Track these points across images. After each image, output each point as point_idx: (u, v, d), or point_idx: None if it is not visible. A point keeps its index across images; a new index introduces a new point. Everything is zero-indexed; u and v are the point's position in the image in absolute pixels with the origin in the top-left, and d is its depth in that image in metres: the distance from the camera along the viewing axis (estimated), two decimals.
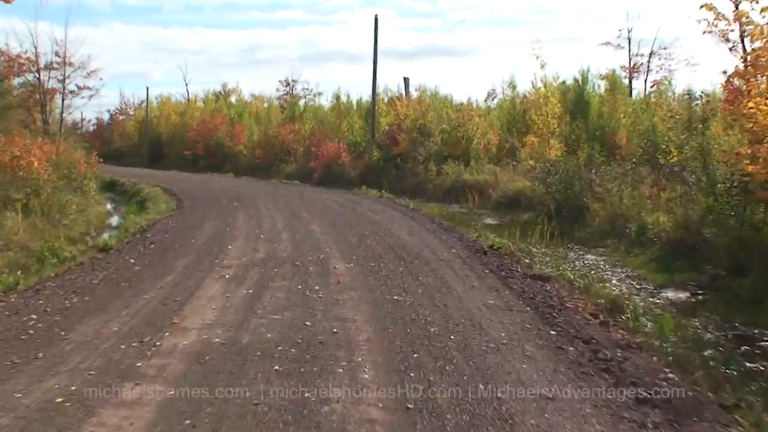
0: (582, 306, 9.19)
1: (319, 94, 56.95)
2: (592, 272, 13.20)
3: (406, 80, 37.35)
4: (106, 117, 73.47)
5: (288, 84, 64.84)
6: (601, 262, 14.62)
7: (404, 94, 36.77)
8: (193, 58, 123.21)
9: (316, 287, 9.22)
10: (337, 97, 41.36)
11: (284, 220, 16.87)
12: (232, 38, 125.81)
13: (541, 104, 26.77)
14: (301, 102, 52.96)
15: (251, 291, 9.05)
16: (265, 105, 55.06)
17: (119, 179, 33.73)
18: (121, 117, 70.02)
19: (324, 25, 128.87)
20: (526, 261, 12.55)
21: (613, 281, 12.58)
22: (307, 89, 63.54)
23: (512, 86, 38.03)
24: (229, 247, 12.69)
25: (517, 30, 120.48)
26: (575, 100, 34.46)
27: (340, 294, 8.86)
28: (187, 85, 66.99)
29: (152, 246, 13.01)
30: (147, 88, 64.65)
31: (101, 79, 30.61)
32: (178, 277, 9.91)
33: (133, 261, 11.35)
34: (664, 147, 19.56)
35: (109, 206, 26.46)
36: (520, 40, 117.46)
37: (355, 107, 41.95)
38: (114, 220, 21.98)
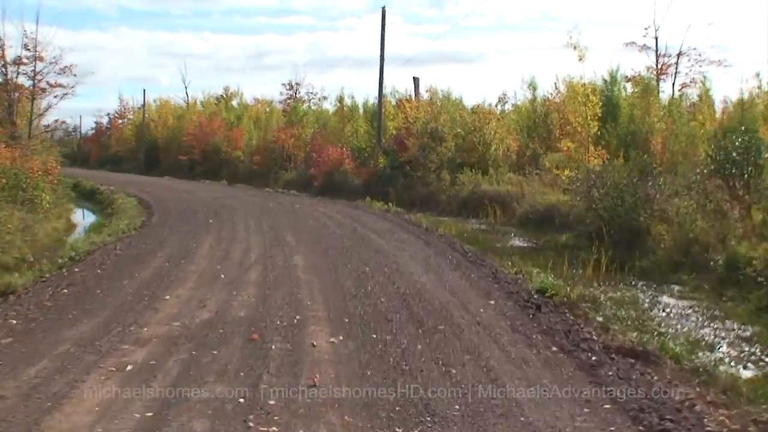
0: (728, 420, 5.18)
1: (324, 98, 52.76)
2: (685, 328, 9.13)
3: (415, 80, 33.30)
4: (105, 121, 69.59)
5: (291, 87, 60.63)
6: (689, 310, 10.46)
7: (414, 96, 32.66)
8: (201, 63, 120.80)
9: (270, 402, 5.10)
10: (341, 99, 37.43)
11: (261, 248, 12.81)
12: (240, 43, 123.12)
13: (578, 103, 22.46)
14: (305, 106, 48.80)
15: (149, 415, 4.88)
16: (267, 109, 50.88)
17: (100, 188, 29.67)
18: (119, 121, 66.15)
19: (331, 30, 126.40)
20: (598, 319, 8.44)
21: (723, 347, 8.45)
22: (312, 93, 59.52)
23: (532, 87, 33.86)
24: (167, 297, 8.62)
25: (524, 36, 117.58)
26: (604, 102, 30.39)
27: (313, 424, 4.72)
28: (186, 87, 62.45)
29: (64, 292, 8.99)
30: (144, 90, 61.33)
31: (75, 75, 26.22)
32: (41, 376, 5.72)
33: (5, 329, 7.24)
34: (736, 156, 15.32)
35: (79, 218, 22.53)
36: (527, 46, 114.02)
37: (360, 110, 37.85)
38: (72, 238, 17.92)
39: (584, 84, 22.86)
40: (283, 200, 23.71)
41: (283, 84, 60.39)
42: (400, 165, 28.79)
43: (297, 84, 60.95)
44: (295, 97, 59.75)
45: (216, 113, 50.32)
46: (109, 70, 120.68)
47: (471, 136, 28.53)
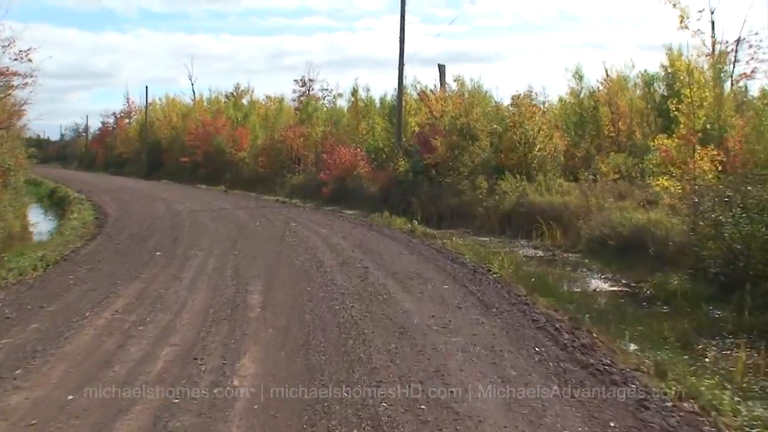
0: None
1: (339, 95, 46.96)
2: None
3: (441, 68, 27.63)
4: (112, 121, 64.64)
5: (304, 84, 55.23)
6: None
7: (439, 86, 27.04)
8: (220, 65, 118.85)
9: None
10: (354, 92, 31.83)
11: (195, 328, 6.95)
12: (258, 44, 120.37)
13: (692, 84, 16.57)
14: (319, 104, 43.07)
15: None
16: (276, 106, 45.33)
17: (70, 196, 24.41)
18: (126, 121, 61.13)
19: (349, 31, 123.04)
20: None
21: None
22: (326, 90, 53.86)
23: (578, 76, 28.14)
24: None
25: (542, 36, 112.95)
26: (666, 93, 24.74)
27: None
28: (192, 84, 57.26)
29: None
30: (146, 87, 55.61)
31: (30, 60, 20.62)
32: None
33: None
34: None
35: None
36: (545, 46, 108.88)
37: (377, 105, 32.25)
38: None
39: (690, 61, 16.95)
40: (278, 215, 18.17)
41: (295, 80, 54.89)
42: (425, 169, 23.25)
43: (310, 80, 55.53)
44: (308, 94, 54.23)
45: (221, 111, 45.05)
46: (129, 72, 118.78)
47: (510, 134, 22.88)
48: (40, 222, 20.43)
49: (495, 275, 9.88)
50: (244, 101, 51.42)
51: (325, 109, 38.89)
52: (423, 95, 26.72)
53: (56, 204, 24.42)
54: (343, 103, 37.99)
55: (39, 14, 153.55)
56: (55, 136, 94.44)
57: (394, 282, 8.90)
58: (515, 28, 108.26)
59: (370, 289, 8.45)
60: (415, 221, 17.25)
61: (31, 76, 23.18)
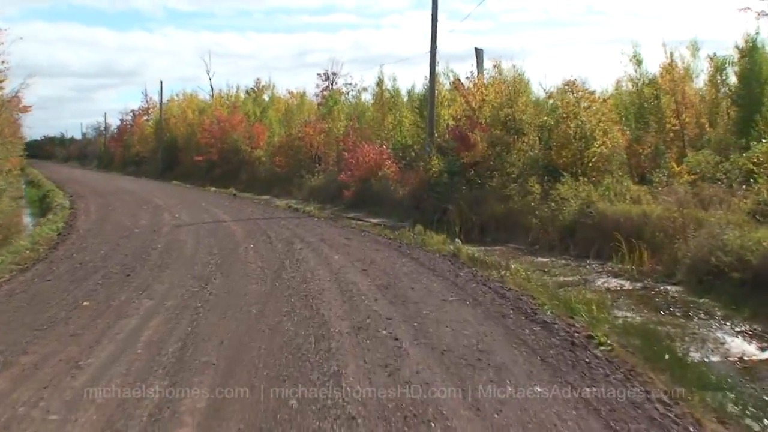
0: None
1: (364, 89, 42.88)
2: None
3: (478, 53, 23.66)
4: (130, 119, 61.61)
5: (327, 77, 51.58)
6: None
7: (476, 73, 23.08)
8: (245, 63, 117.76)
9: None
10: (380, 82, 27.99)
11: None
12: (283, 42, 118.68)
13: None
14: (342, 98, 39.15)
15: None
16: (296, 101, 41.59)
17: (56, 201, 20.99)
18: (143, 118, 58.04)
19: (374, 28, 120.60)
20: None
21: None
22: (350, 84, 49.97)
23: (636, 61, 23.96)
24: None
25: (569, 31, 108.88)
26: (744, 76, 20.64)
27: None
28: (210, 79, 53.66)
29: None
30: (161, 82, 52.52)
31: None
32: None
33: None
34: None
35: None
36: (573, 41, 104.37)
37: (404, 98, 28.35)
38: None
39: None
40: (283, 231, 14.24)
41: (318, 74, 51.21)
42: (462, 169, 19.43)
43: (333, 74, 51.84)
44: (331, 88, 50.38)
45: (237, 106, 41.58)
46: (156, 71, 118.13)
47: (563, 127, 18.94)
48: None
49: (603, 348, 6.04)
50: (265, 97, 47.82)
51: (348, 104, 35.08)
52: (458, 84, 22.83)
53: (45, 210, 21.00)
54: (367, 98, 34.16)
55: (68, 14, 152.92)
56: (79, 135, 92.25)
57: (446, 376, 5.06)
58: (541, 23, 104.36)
59: (406, 400, 4.62)
60: (458, 240, 13.38)
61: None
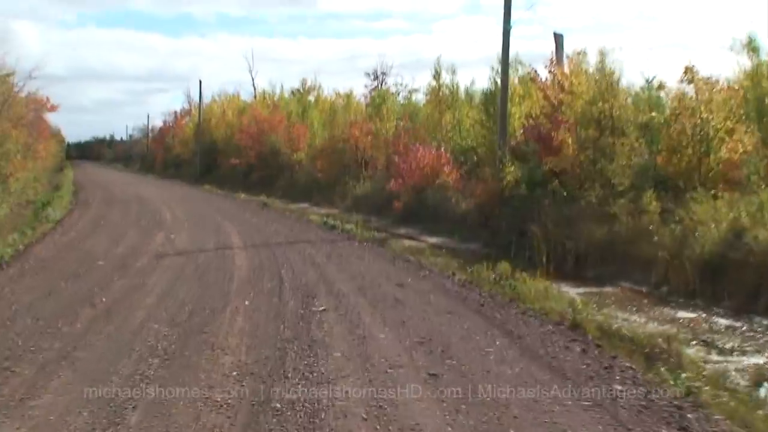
0: None
1: (415, 90, 38.30)
2: None
3: (558, 39, 19.25)
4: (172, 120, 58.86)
5: (376, 77, 47.51)
6: None
7: (554, 62, 18.64)
8: (296, 68, 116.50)
9: None
10: (437, 74, 23.71)
11: None
12: (334, 47, 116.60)
13: None
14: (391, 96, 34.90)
15: None
16: (342, 101, 37.59)
17: (46, 212, 17.44)
18: (184, 120, 55.14)
19: (425, 33, 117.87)
20: None
21: None
22: (401, 84, 45.63)
23: (752, 49, 19.23)
24: None
25: (619, 36, 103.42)
26: None
27: None
28: (253, 78, 49.89)
29: None
30: (200, 81, 49.01)
31: None
32: None
33: None
34: None
35: None
36: (622, 46, 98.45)
37: (463, 95, 24.08)
38: None
39: None
40: (307, 266, 9.77)
41: (366, 73, 47.19)
42: (545, 179, 15.17)
43: (383, 73, 47.72)
44: (380, 88, 46.30)
45: (277, 105, 38.02)
46: (207, 76, 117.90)
47: (677, 126, 14.53)
48: None
49: None
50: (311, 98, 44.03)
51: (399, 104, 30.88)
52: (534, 76, 18.49)
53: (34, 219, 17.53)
54: (419, 98, 29.91)
55: (123, 19, 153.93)
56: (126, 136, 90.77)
57: None
58: (590, 29, 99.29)
59: None
60: (576, 299, 9.01)
61: None
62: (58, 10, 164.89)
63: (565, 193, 14.90)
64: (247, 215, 16.34)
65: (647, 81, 17.21)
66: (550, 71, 17.82)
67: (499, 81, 20.20)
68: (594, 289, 10.57)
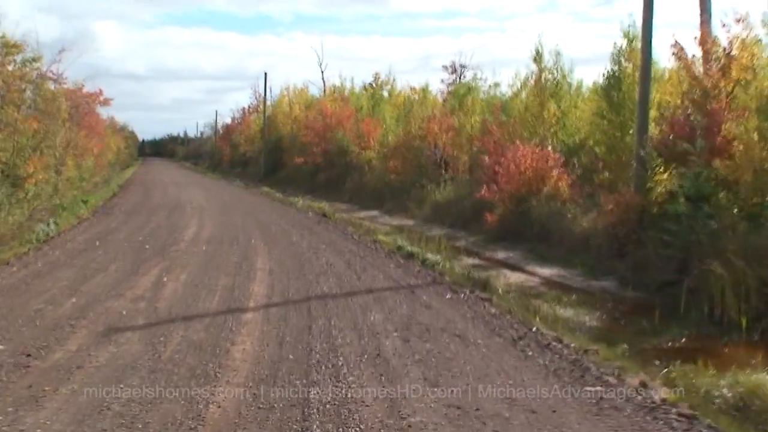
0: None
1: (496, 84, 33.43)
2: None
3: (704, 1, 14.51)
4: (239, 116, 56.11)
5: (454, 70, 43.10)
6: None
7: (701, 33, 13.77)
8: (370, 66, 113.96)
9: None
10: (537, 56, 18.80)
11: None
12: (407, 46, 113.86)
13: None
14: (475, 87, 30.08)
15: None
16: (417, 96, 33.27)
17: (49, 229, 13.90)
18: (252, 116, 52.19)
19: (498, 32, 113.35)
20: None
21: None
22: (481, 79, 40.54)
23: None
24: None
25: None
26: None
27: None
28: (323, 72, 46.04)
29: None
30: (265, 74, 45.69)
31: None
32: None
33: None
34: None
35: None
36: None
37: (571, 84, 19.39)
38: None
39: None
40: (372, 326, 6.00)
41: (444, 66, 42.88)
42: (711, 191, 10.50)
43: (462, 66, 43.23)
44: (459, 82, 41.74)
45: (347, 100, 34.23)
46: (282, 74, 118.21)
47: None
48: None
49: None
50: (384, 92, 39.94)
51: (477, 90, 26.29)
52: (679, 51, 13.69)
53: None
54: (505, 90, 25.23)
55: (201, 19, 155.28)
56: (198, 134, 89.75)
57: None
58: (672, 25, 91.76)
59: None
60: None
61: None
62: (137, 9, 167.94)
63: (737, 211, 10.30)
64: (295, 234, 12.04)
65: None
66: (701, 44, 13.06)
67: (623, 61, 15.68)
68: None
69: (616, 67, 15.34)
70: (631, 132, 14.85)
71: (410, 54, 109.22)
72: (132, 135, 71.97)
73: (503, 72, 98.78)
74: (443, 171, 22.14)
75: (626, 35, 15.56)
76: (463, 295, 7.52)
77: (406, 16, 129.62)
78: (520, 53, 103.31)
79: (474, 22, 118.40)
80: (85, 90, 26.54)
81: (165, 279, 7.82)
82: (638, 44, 15.49)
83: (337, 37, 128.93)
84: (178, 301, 6.82)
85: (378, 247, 10.99)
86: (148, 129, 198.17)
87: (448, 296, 7.38)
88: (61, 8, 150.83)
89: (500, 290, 8.59)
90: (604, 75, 15.67)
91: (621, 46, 15.42)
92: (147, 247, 10.14)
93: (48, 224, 12.74)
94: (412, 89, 36.82)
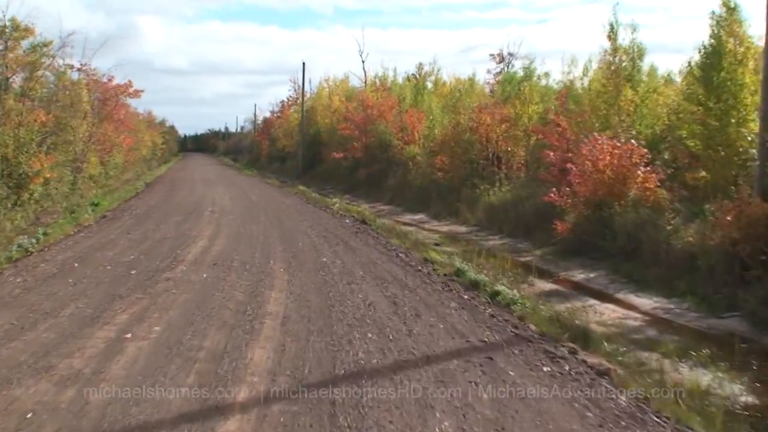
0: None
1: (546, 74, 30.13)
2: None
3: None
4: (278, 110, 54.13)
5: (502, 59, 40.15)
6: None
7: None
8: (410, 59, 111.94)
9: None
10: (612, 33, 15.92)
11: None
12: (448, 38, 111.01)
13: None
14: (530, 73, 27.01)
15: None
16: (463, 87, 30.57)
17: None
18: (290, 109, 50.16)
19: (540, 23, 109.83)
20: None
21: None
22: (530, 68, 37.17)
23: None
24: None
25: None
26: None
27: None
28: (363, 62, 43.34)
29: None
30: (303, 63, 43.45)
31: None
32: None
33: None
34: None
35: None
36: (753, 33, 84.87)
37: (643, 65, 16.54)
38: None
39: None
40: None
41: (491, 55, 39.89)
42: None
43: (510, 54, 40.22)
44: (507, 72, 38.80)
45: (388, 89, 31.83)
46: (323, 68, 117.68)
47: None
48: None
49: None
50: (428, 83, 37.31)
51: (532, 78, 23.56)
52: None
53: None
54: (558, 78, 22.30)
55: (242, 13, 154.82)
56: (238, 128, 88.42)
57: None
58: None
59: None
60: None
61: None
62: (177, 4, 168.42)
63: None
64: (327, 251, 9.63)
65: None
66: None
67: (723, 35, 12.89)
68: None
69: (714, 42, 12.58)
70: (733, 121, 12.16)
71: (450, 46, 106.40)
72: (171, 130, 70.87)
73: (550, 64, 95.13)
74: (496, 168, 19.58)
75: (725, 3, 12.81)
76: (566, 365, 5.06)
77: (447, 8, 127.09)
78: (564, 44, 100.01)
79: (515, 13, 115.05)
80: (114, 82, 24.94)
81: (128, 336, 5.42)
82: (738, 14, 12.82)
83: (378, 30, 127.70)
84: (129, 386, 4.22)
85: (431, 271, 8.60)
86: (190, 124, 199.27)
87: (545, 369, 4.91)
88: (105, 4, 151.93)
89: (604, 344, 6.10)
90: (699, 51, 12.90)
91: (720, 16, 12.66)
92: (132, 272, 7.92)
93: (37, 234, 10.70)
94: (458, 80, 34.25)
